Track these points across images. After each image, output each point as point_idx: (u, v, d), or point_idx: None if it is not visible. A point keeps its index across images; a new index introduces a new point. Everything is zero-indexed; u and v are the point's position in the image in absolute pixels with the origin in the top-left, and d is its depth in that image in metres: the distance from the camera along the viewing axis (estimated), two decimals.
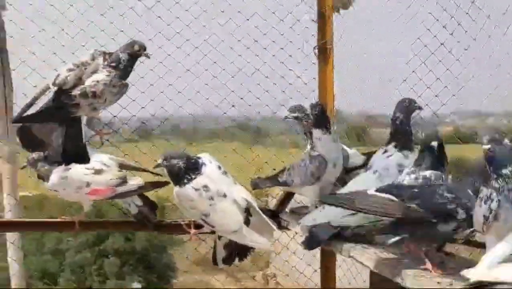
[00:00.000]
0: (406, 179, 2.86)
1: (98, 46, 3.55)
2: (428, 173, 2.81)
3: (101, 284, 12.86)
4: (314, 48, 4.02)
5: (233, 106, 4.27)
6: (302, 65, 4.20)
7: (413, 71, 4.25)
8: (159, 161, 3.27)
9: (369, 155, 3.47)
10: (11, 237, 4.28)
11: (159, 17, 4.15)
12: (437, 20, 4.25)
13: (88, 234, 11.82)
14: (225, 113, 4.30)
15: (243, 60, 4.18)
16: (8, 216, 4.15)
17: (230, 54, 4.16)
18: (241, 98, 4.22)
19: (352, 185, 3.30)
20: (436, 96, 4.28)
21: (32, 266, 12.34)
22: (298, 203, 3.88)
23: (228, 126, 5.13)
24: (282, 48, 4.18)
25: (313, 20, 4.06)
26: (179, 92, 4.16)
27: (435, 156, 2.83)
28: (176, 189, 3.26)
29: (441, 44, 4.25)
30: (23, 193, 4.57)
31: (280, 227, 3.65)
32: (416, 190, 2.64)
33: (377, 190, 2.67)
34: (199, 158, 3.32)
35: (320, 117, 3.43)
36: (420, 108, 3.29)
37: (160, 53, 4.12)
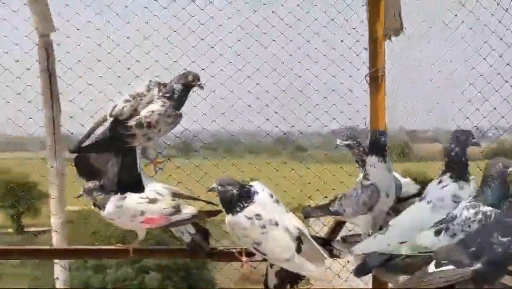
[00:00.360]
0: (464, 213, 2.83)
1: (153, 77, 3.58)
2: (489, 210, 2.78)
3: None
4: (366, 76, 4.01)
5: (267, 119, 4.27)
6: (354, 92, 4.21)
7: (453, 85, 4.23)
8: (214, 185, 3.31)
9: (423, 184, 3.44)
10: (61, 261, 4.27)
11: (202, 39, 4.17)
12: (485, 42, 4.24)
13: None
14: (259, 127, 4.30)
15: (294, 87, 4.21)
16: (54, 236, 4.16)
17: (281, 81, 4.19)
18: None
19: (406, 215, 3.29)
20: (477, 109, 4.27)
21: (75, 282, 12.54)
22: (350, 231, 3.86)
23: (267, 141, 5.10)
24: (333, 76, 4.19)
25: (364, 48, 4.06)
26: (212, 106, 4.17)
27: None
28: (229, 217, 3.30)
29: (491, 66, 4.24)
30: (71, 207, 4.59)
31: (332, 255, 3.63)
32: (473, 249, 2.59)
33: (436, 264, 2.64)
34: (251, 186, 3.35)
35: (378, 144, 3.40)
36: (477, 144, 3.25)
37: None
